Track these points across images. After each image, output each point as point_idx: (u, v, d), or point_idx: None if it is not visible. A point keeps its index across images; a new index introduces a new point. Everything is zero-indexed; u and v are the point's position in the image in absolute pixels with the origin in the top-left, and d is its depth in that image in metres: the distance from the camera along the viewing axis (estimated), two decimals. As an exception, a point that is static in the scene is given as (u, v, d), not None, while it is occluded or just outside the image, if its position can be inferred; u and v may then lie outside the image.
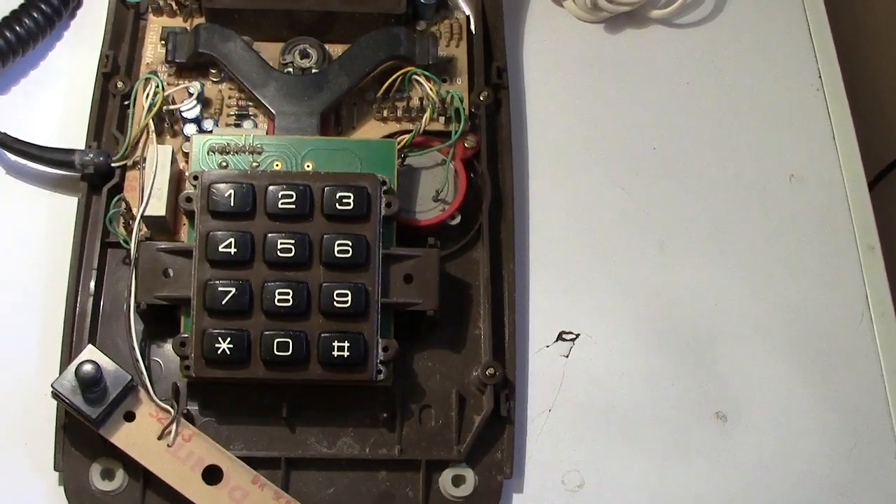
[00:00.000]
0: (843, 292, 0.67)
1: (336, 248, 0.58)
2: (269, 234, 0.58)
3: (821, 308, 0.66)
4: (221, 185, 0.58)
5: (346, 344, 0.57)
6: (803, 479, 0.62)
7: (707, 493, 0.61)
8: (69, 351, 0.60)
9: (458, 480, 0.59)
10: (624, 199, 0.68)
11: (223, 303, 0.57)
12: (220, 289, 0.57)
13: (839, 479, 0.62)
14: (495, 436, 0.60)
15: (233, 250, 0.58)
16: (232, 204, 0.58)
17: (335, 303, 0.57)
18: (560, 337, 0.64)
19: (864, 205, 0.69)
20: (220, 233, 0.58)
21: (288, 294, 0.57)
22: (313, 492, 0.59)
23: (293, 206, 0.58)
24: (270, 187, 0.58)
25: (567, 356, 0.64)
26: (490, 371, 0.60)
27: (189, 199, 0.58)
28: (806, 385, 0.64)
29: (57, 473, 0.58)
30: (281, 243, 0.58)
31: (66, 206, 0.64)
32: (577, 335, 0.64)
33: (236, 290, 0.57)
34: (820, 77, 0.73)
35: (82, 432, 0.57)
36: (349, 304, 0.57)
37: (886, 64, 0.88)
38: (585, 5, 0.72)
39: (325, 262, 0.58)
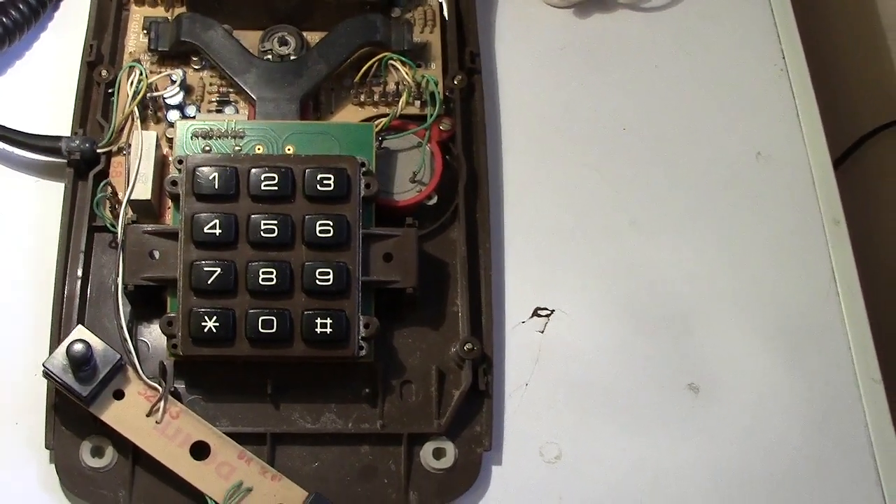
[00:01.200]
0: (810, 267, 0.69)
1: (318, 228, 0.59)
2: (253, 216, 0.59)
3: (789, 282, 0.68)
4: (205, 169, 0.60)
5: (329, 321, 0.59)
6: (774, 449, 0.64)
7: (681, 463, 0.63)
8: (58, 332, 0.61)
9: (438, 453, 0.61)
10: (595, 178, 0.70)
11: (209, 283, 0.59)
12: (205, 269, 0.59)
13: (809, 450, 0.64)
14: (474, 410, 0.62)
15: (218, 231, 0.59)
16: (216, 186, 0.59)
17: (317, 281, 0.59)
18: (535, 313, 0.66)
19: (828, 181, 0.71)
20: (204, 215, 0.59)
21: (272, 273, 0.59)
22: (298, 466, 0.60)
23: (276, 188, 0.60)
24: (253, 170, 0.60)
25: (542, 332, 0.65)
26: (468, 346, 0.62)
27: (174, 183, 0.60)
28: (775, 358, 0.66)
29: (48, 451, 0.60)
30: (264, 224, 0.59)
31: (52, 192, 0.65)
32: (552, 311, 0.66)
33: (221, 270, 0.59)
34: (783, 58, 0.75)
35: (73, 411, 0.59)
36: (331, 282, 0.59)
37: (848, 43, 0.90)
38: (556, -9, 0.74)
39: (307, 241, 0.59)
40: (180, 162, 0.60)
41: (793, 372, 0.66)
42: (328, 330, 0.59)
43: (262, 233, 0.59)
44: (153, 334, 0.62)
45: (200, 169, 0.60)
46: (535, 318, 0.66)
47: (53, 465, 0.59)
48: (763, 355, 0.66)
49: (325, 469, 0.61)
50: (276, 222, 0.59)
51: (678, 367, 0.65)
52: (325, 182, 0.60)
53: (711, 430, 0.64)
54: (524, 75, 0.73)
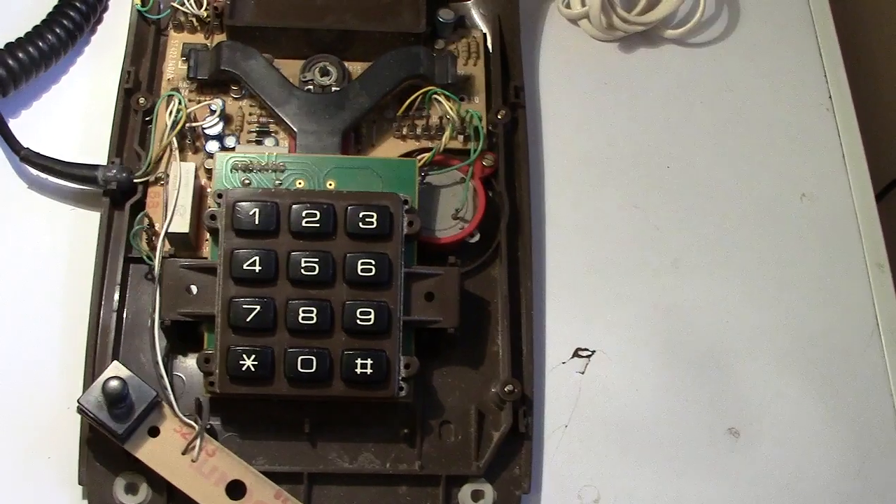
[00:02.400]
0: (852, 310, 0.68)
1: (359, 267, 0.58)
2: (293, 253, 0.58)
3: (831, 325, 0.67)
4: (246, 204, 0.59)
5: (369, 361, 0.58)
6: (814, 495, 0.63)
7: (720, 508, 0.62)
8: (93, 365, 0.60)
9: (477, 495, 0.60)
10: (638, 216, 0.69)
11: (247, 320, 0.58)
12: (244, 306, 0.58)
13: (849, 496, 0.63)
14: (513, 451, 0.61)
15: (257, 268, 0.58)
16: (256, 222, 0.59)
17: (358, 321, 0.58)
18: (576, 353, 0.65)
19: (872, 224, 0.70)
20: (244, 251, 0.58)
21: (312, 312, 0.58)
22: (335, 506, 0.60)
23: (317, 225, 0.59)
24: (294, 206, 0.59)
25: (583, 372, 0.65)
26: (509, 388, 0.61)
27: (213, 217, 0.59)
28: (816, 401, 0.65)
29: (81, 487, 0.59)
30: (305, 261, 0.58)
31: (87, 221, 0.64)
32: (593, 352, 0.65)
33: (261, 307, 0.58)
34: (830, 97, 0.74)
35: (106, 446, 0.58)
36: (372, 321, 0.58)
37: (893, 79, 0.89)
38: (601, 24, 0.73)
39: (349, 280, 0.59)
40: (220, 196, 0.59)
41: (834, 417, 0.65)
42: (368, 371, 0.58)
43: (302, 270, 0.58)
44: (189, 369, 0.61)
45: (240, 204, 0.59)
46: (575, 358, 0.65)
47: (86, 502, 0.58)
48: (804, 399, 0.65)
49: (361, 510, 0.60)
50: (317, 260, 0.58)
51: (719, 410, 0.64)
52: (367, 220, 0.59)
53: (752, 474, 0.63)
54: (567, 110, 0.72)
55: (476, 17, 0.71)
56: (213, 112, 0.64)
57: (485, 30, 0.70)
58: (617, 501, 0.62)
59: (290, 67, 0.66)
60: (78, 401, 0.57)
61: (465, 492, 0.60)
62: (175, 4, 0.67)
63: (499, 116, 0.67)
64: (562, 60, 0.74)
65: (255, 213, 0.59)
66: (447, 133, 0.64)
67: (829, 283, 0.68)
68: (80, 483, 0.59)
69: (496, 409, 0.62)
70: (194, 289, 0.59)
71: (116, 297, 0.62)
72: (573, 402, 0.64)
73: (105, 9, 0.71)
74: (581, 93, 0.73)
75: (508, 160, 0.67)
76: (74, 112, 0.69)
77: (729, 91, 0.74)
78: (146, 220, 0.62)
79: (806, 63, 0.75)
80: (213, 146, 0.64)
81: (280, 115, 0.64)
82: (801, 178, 0.71)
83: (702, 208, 0.70)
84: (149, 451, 0.58)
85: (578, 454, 0.63)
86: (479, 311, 0.64)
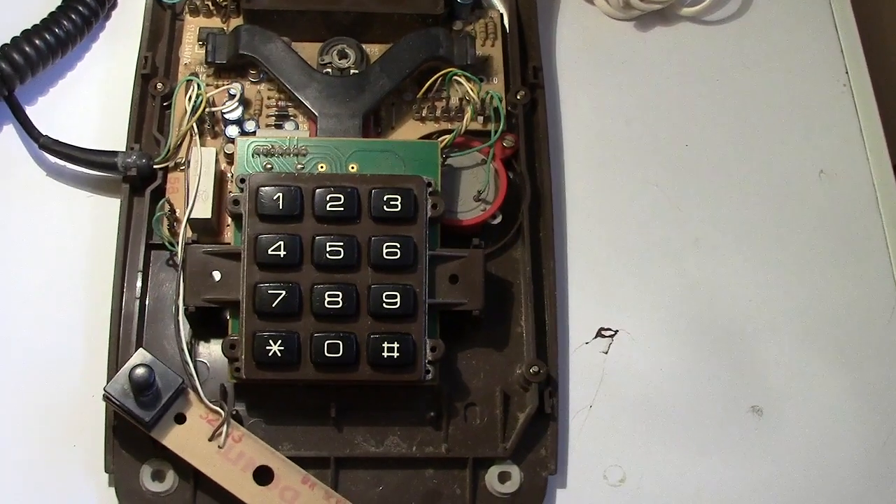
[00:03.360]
0: (873, 285, 0.68)
1: (384, 250, 0.58)
2: (318, 237, 0.58)
3: (852, 301, 0.67)
4: (269, 189, 0.59)
5: (396, 345, 0.58)
6: (839, 471, 0.63)
7: (745, 485, 0.62)
8: (116, 352, 0.60)
9: (503, 477, 0.60)
10: (658, 195, 0.69)
11: (273, 305, 0.58)
12: (269, 291, 0.58)
13: (873, 471, 0.63)
14: (539, 432, 0.61)
15: (282, 253, 0.58)
16: (280, 207, 0.58)
17: (384, 304, 0.58)
18: (599, 333, 0.65)
19: (892, 199, 0.70)
20: (268, 236, 0.58)
21: (337, 296, 0.58)
22: (362, 490, 0.60)
23: (341, 209, 0.59)
24: (318, 190, 0.59)
25: (606, 352, 0.65)
26: (534, 369, 0.61)
27: (236, 203, 0.59)
28: (838, 378, 0.65)
29: (108, 475, 0.59)
30: (330, 246, 0.58)
31: (107, 208, 0.64)
32: (616, 331, 0.65)
33: (286, 292, 0.58)
34: (847, 73, 0.74)
35: (132, 434, 0.58)
36: (398, 305, 0.58)
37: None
38: (617, 3, 0.73)
39: (374, 263, 0.58)
40: (242, 181, 0.59)
41: (857, 393, 0.65)
42: (395, 354, 0.58)
43: (327, 255, 0.58)
44: (213, 355, 0.61)
45: (264, 189, 0.58)
46: (598, 338, 0.65)
47: (113, 489, 0.58)
48: (827, 376, 0.65)
49: (389, 493, 0.60)
50: (341, 244, 0.58)
51: (742, 388, 0.64)
52: (391, 203, 0.59)
53: (775, 452, 0.63)
54: (585, 89, 0.72)
55: (493, -4, 0.71)
56: (231, 97, 0.64)
57: (502, 10, 0.70)
58: (642, 481, 0.62)
59: (308, 50, 0.66)
60: (104, 389, 0.57)
61: (492, 474, 0.60)
62: (191, -12, 0.67)
63: (518, 97, 0.66)
64: (578, 40, 0.73)
65: (278, 197, 0.58)
66: (468, 115, 0.64)
67: (848, 259, 0.68)
68: (106, 471, 0.59)
69: (521, 391, 0.62)
70: (217, 275, 0.59)
71: (139, 284, 0.61)
72: (597, 383, 0.64)
73: (120, -7, 0.71)
74: (598, 72, 0.72)
75: (528, 141, 0.66)
76: (92, 98, 0.68)
77: (746, 68, 0.73)
78: (167, 207, 0.61)
79: (823, 39, 0.75)
80: (232, 131, 0.64)
81: (300, 98, 0.63)
82: (819, 154, 0.71)
83: (721, 187, 0.70)
84: (175, 438, 0.57)
85: (603, 434, 0.63)
86: (503, 293, 0.63)
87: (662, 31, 0.74)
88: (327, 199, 0.59)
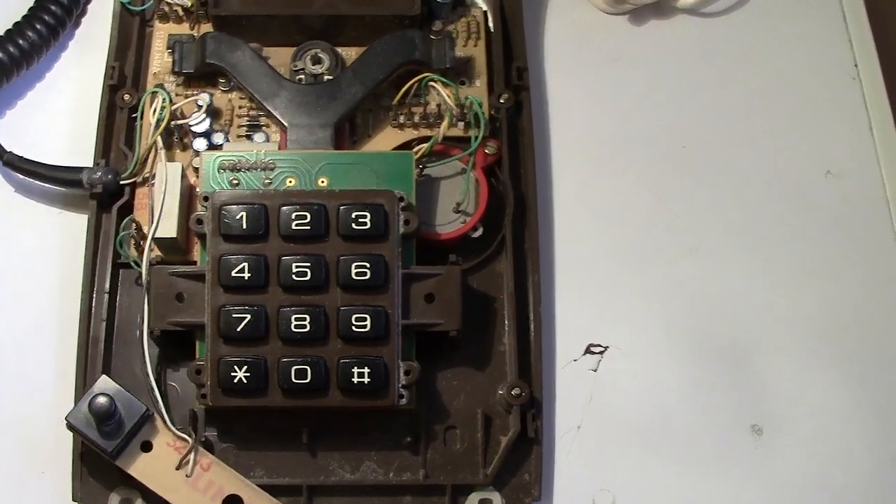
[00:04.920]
0: (883, 293, 0.65)
1: (353, 270, 0.56)
2: (284, 257, 0.56)
3: (860, 311, 0.64)
4: (233, 207, 0.56)
5: (367, 370, 0.56)
6: (844, 493, 0.60)
7: (743, 509, 0.60)
8: (84, 377, 0.59)
9: (484, 504, 0.58)
10: (653, 202, 0.66)
11: (238, 329, 0.56)
12: (234, 315, 0.56)
13: (878, 493, 0.60)
14: (522, 457, 0.59)
15: (247, 275, 0.56)
16: (244, 226, 0.56)
17: (354, 327, 0.56)
18: (588, 350, 0.62)
19: (903, 202, 0.67)
20: (233, 257, 0.56)
21: (305, 319, 0.56)
22: (337, 519, 0.58)
23: (308, 227, 0.56)
24: (284, 208, 0.56)
25: (596, 370, 0.62)
26: (516, 391, 0.58)
27: (200, 222, 0.57)
28: (843, 394, 0.62)
29: (75, 504, 0.58)
30: (296, 266, 0.56)
31: (76, 224, 0.62)
32: (606, 348, 0.62)
33: (251, 316, 0.56)
34: (856, 65, 0.70)
35: (100, 461, 0.56)
36: (368, 328, 0.56)
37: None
38: (609, -4, 0.70)
39: (343, 284, 0.56)
40: (206, 199, 0.57)
41: (865, 409, 0.62)
42: (366, 379, 0.56)
43: (293, 276, 0.56)
44: (183, 378, 0.59)
45: (227, 207, 0.56)
46: (587, 355, 0.62)
47: (81, 518, 0.57)
48: (832, 392, 0.62)
49: (365, 522, 0.58)
50: (308, 264, 0.56)
51: (740, 406, 0.62)
52: (360, 220, 0.56)
53: (776, 474, 0.60)
54: (575, 90, 0.69)
55: (476, -6, 0.68)
56: (199, 108, 0.61)
57: (485, 7, 0.67)
58: (633, 505, 0.60)
59: (281, 56, 0.64)
60: (66, 418, 0.55)
61: (473, 501, 0.58)
62: (158, -7, 0.64)
63: (501, 100, 0.63)
64: (568, 36, 0.70)
65: (242, 216, 0.56)
66: (444, 122, 0.61)
67: (857, 265, 0.65)
68: (73, 499, 0.57)
69: (504, 413, 0.59)
70: (184, 296, 0.57)
71: (106, 305, 0.60)
72: (586, 402, 0.61)
73: (88, 0, 0.69)
74: (589, 71, 0.70)
75: (513, 147, 0.64)
76: (60, 111, 0.67)
77: (747, 63, 0.70)
78: (133, 225, 0.59)
79: (830, 30, 0.71)
80: (200, 144, 0.61)
81: (269, 108, 0.61)
82: (825, 153, 0.68)
83: (721, 190, 0.67)
84: (142, 467, 0.56)
85: (592, 457, 0.60)
86: (485, 309, 0.61)
87: (657, 25, 0.71)
88: (293, 216, 0.56)
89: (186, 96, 0.62)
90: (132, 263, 0.59)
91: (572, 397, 0.61)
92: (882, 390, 0.62)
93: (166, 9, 0.65)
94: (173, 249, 0.59)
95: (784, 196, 0.67)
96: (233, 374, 0.55)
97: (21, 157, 0.62)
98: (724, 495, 0.60)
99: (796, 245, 0.66)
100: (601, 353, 0.62)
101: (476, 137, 0.61)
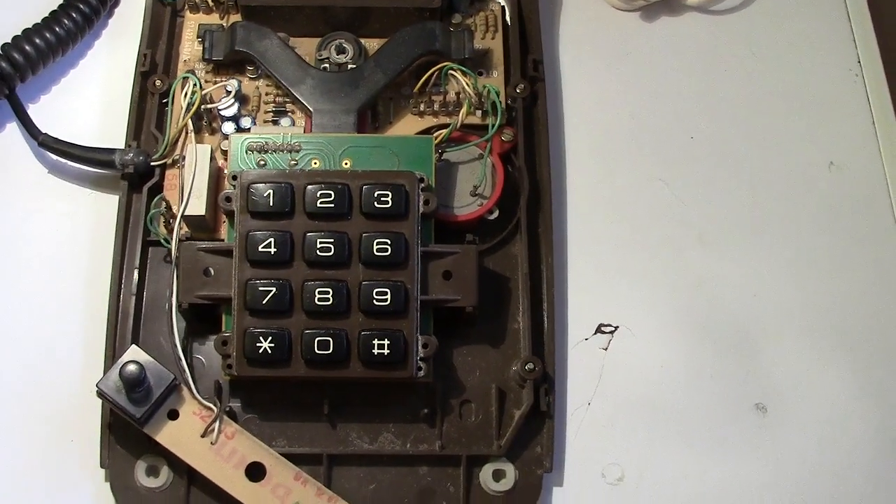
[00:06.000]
0: (884, 282, 0.66)
1: (375, 247, 0.58)
2: (309, 234, 0.58)
3: (862, 297, 0.66)
4: (260, 185, 0.58)
5: (386, 342, 0.57)
6: (844, 471, 0.62)
7: (747, 485, 0.61)
8: (113, 349, 0.60)
9: (498, 475, 0.60)
10: (662, 189, 0.68)
11: (264, 302, 0.58)
12: (260, 288, 0.58)
13: (881, 472, 0.62)
14: (535, 430, 0.61)
15: (273, 250, 0.58)
16: (271, 204, 0.58)
17: (375, 301, 0.58)
18: (599, 329, 0.64)
19: (905, 191, 0.69)
20: (259, 233, 0.58)
21: (328, 293, 0.58)
22: (355, 487, 0.59)
23: (332, 206, 0.58)
24: (309, 186, 0.58)
25: (606, 349, 0.64)
26: (529, 366, 0.60)
27: (228, 199, 0.59)
28: (846, 376, 0.64)
29: (103, 470, 0.59)
30: (320, 242, 0.58)
31: (107, 204, 0.64)
32: (616, 327, 0.64)
33: (276, 289, 0.58)
34: (859, 61, 0.72)
35: (127, 430, 0.58)
36: (389, 302, 0.58)
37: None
38: (621, -7, 0.72)
39: (365, 260, 0.58)
40: (234, 178, 0.59)
41: (864, 391, 0.64)
42: (385, 351, 0.57)
43: (317, 251, 0.58)
44: (208, 351, 0.61)
45: (255, 185, 0.58)
46: (598, 334, 0.64)
47: (108, 485, 0.59)
48: (833, 373, 0.64)
49: (382, 491, 0.60)
50: (332, 241, 0.58)
51: (745, 385, 0.63)
52: (382, 199, 0.58)
53: (779, 451, 0.62)
54: (588, 82, 0.71)
55: (494, -12, 0.70)
56: (228, 93, 0.64)
57: (502, 2, 0.69)
58: (641, 479, 0.61)
59: (307, 46, 0.66)
60: (97, 385, 0.57)
61: (487, 471, 0.60)
62: (189, -15, 0.67)
63: (517, 90, 0.66)
64: (582, 31, 0.72)
65: (269, 194, 0.58)
66: (464, 109, 0.63)
67: (859, 253, 0.67)
68: (101, 466, 0.59)
69: (517, 388, 0.61)
70: (212, 271, 0.59)
71: (135, 280, 0.62)
72: (596, 379, 0.63)
73: (121, -8, 0.71)
74: (602, 64, 0.71)
75: (528, 135, 0.66)
76: (93, 96, 0.68)
77: (754, 58, 0.72)
78: (163, 204, 0.61)
79: (833, 26, 0.73)
80: (228, 127, 0.64)
81: (295, 94, 0.63)
82: (829, 146, 0.69)
83: (727, 180, 0.68)
84: (168, 434, 0.58)
85: (601, 432, 0.62)
86: (500, 289, 0.63)
87: (668, 22, 0.73)
88: (318, 195, 0.58)
89: (215, 83, 0.65)
90: (162, 241, 0.61)
91: (583, 374, 0.63)
92: (882, 373, 0.64)
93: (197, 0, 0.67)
94: (201, 227, 0.62)
95: (789, 186, 0.68)
96: (258, 345, 0.57)
97: (56, 138, 0.64)
98: (729, 470, 0.61)
99: (800, 233, 0.67)
100: (611, 332, 0.64)
101: (493, 125, 0.63)
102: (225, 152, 0.63)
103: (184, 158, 0.62)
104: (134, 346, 0.58)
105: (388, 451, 0.60)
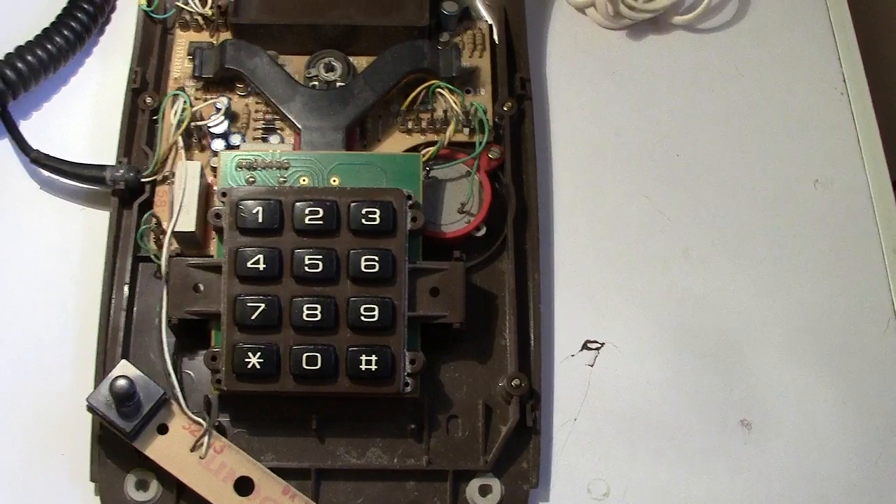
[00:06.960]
0: (868, 298, 0.67)
1: (363, 263, 0.59)
2: (297, 250, 0.59)
3: (846, 314, 0.66)
4: (249, 202, 0.59)
5: (374, 357, 0.58)
6: (829, 488, 0.62)
7: (732, 500, 0.61)
8: (103, 364, 0.61)
9: (484, 490, 0.60)
10: (648, 206, 0.68)
11: (252, 318, 0.58)
12: (249, 304, 0.58)
13: (865, 487, 0.62)
14: (521, 445, 0.61)
15: (261, 266, 0.58)
16: (260, 220, 0.59)
17: (362, 317, 0.58)
18: (585, 346, 0.65)
19: (889, 209, 0.69)
20: (248, 249, 0.59)
21: (316, 309, 0.58)
22: (343, 502, 0.60)
23: (320, 222, 0.59)
24: (297, 203, 0.59)
25: (592, 365, 0.64)
26: (516, 382, 0.61)
27: (218, 216, 0.59)
28: (831, 392, 0.64)
29: (93, 484, 0.59)
30: (308, 259, 0.59)
31: (98, 220, 0.65)
32: (602, 344, 0.65)
33: (265, 305, 0.58)
34: (844, 80, 0.73)
35: (117, 444, 0.58)
36: (376, 318, 0.58)
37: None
38: (608, 13, 0.72)
39: (353, 276, 0.59)
40: (224, 195, 0.59)
41: (849, 407, 0.64)
42: (373, 367, 0.58)
43: (306, 267, 0.58)
44: (198, 366, 0.62)
45: (244, 202, 0.59)
46: (584, 351, 0.64)
47: (98, 499, 0.59)
48: (818, 390, 0.64)
49: (369, 505, 0.60)
50: (320, 257, 0.59)
51: (730, 402, 0.64)
52: (370, 216, 0.59)
53: (764, 467, 0.62)
54: (575, 100, 0.71)
55: (482, 8, 0.71)
56: (218, 111, 0.64)
57: (490, 21, 0.70)
58: (627, 495, 0.61)
59: (296, 63, 0.66)
60: (87, 399, 0.57)
61: (473, 486, 0.60)
62: (179, 4, 0.67)
63: (504, 108, 0.66)
64: (569, 50, 0.73)
65: (258, 211, 0.59)
66: (451, 127, 0.64)
67: (844, 270, 0.67)
68: (91, 480, 0.59)
69: (504, 403, 0.61)
70: (201, 287, 0.59)
71: (126, 295, 0.62)
72: (582, 396, 0.63)
73: (112, 9, 0.72)
74: (589, 82, 0.72)
75: (515, 152, 0.66)
76: (84, 112, 0.69)
77: (740, 77, 0.73)
78: (153, 220, 0.62)
79: (819, 46, 0.74)
80: (218, 144, 0.64)
81: (284, 112, 0.64)
82: (814, 163, 0.70)
83: (713, 197, 0.69)
84: (158, 449, 0.58)
85: (587, 448, 0.62)
86: (487, 305, 0.63)
87: (654, 40, 0.74)
88: (306, 212, 0.59)
89: (205, 100, 0.65)
90: (152, 256, 0.62)
91: (569, 391, 0.63)
92: (866, 389, 0.64)
93: (187, 17, 0.67)
94: (191, 244, 0.62)
95: (774, 203, 0.69)
96: (246, 360, 0.58)
97: (47, 154, 0.65)
98: (714, 487, 0.62)
99: (785, 250, 0.68)
100: (597, 349, 0.64)
101: (480, 142, 0.64)
102: (214, 169, 0.63)
103: (174, 175, 0.63)
104: (124, 360, 0.59)
105: (376, 466, 0.60)
